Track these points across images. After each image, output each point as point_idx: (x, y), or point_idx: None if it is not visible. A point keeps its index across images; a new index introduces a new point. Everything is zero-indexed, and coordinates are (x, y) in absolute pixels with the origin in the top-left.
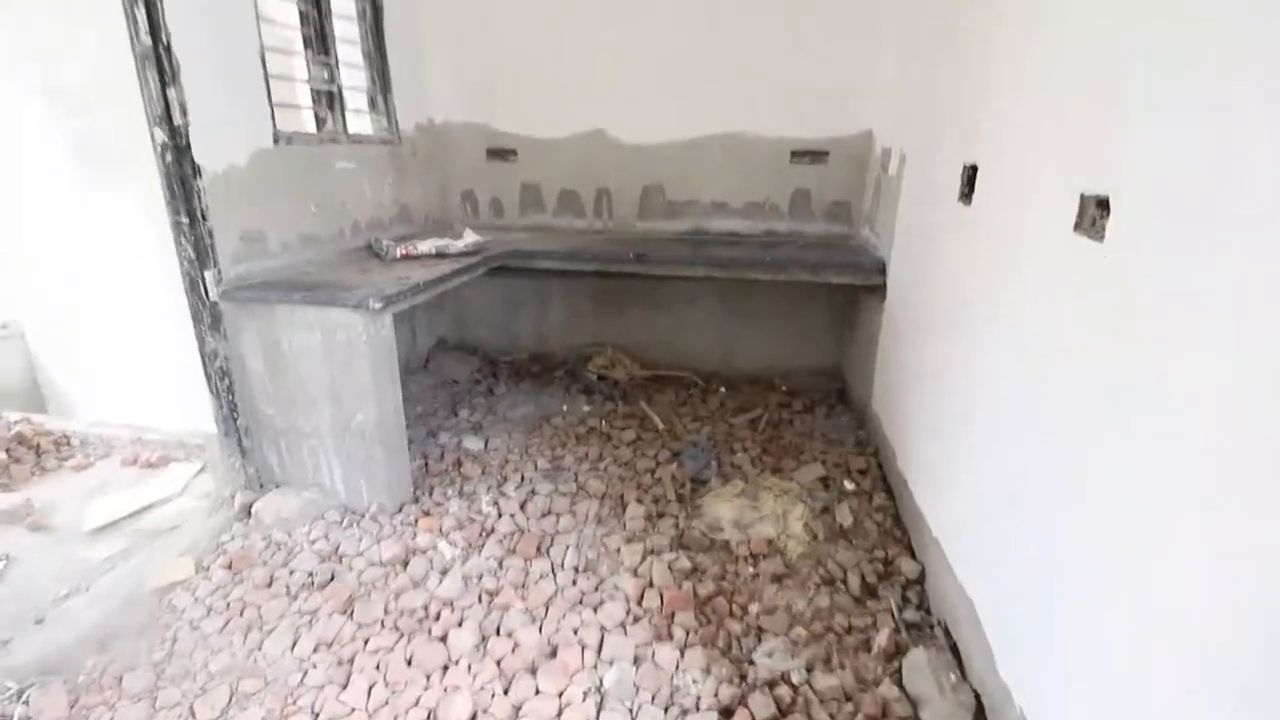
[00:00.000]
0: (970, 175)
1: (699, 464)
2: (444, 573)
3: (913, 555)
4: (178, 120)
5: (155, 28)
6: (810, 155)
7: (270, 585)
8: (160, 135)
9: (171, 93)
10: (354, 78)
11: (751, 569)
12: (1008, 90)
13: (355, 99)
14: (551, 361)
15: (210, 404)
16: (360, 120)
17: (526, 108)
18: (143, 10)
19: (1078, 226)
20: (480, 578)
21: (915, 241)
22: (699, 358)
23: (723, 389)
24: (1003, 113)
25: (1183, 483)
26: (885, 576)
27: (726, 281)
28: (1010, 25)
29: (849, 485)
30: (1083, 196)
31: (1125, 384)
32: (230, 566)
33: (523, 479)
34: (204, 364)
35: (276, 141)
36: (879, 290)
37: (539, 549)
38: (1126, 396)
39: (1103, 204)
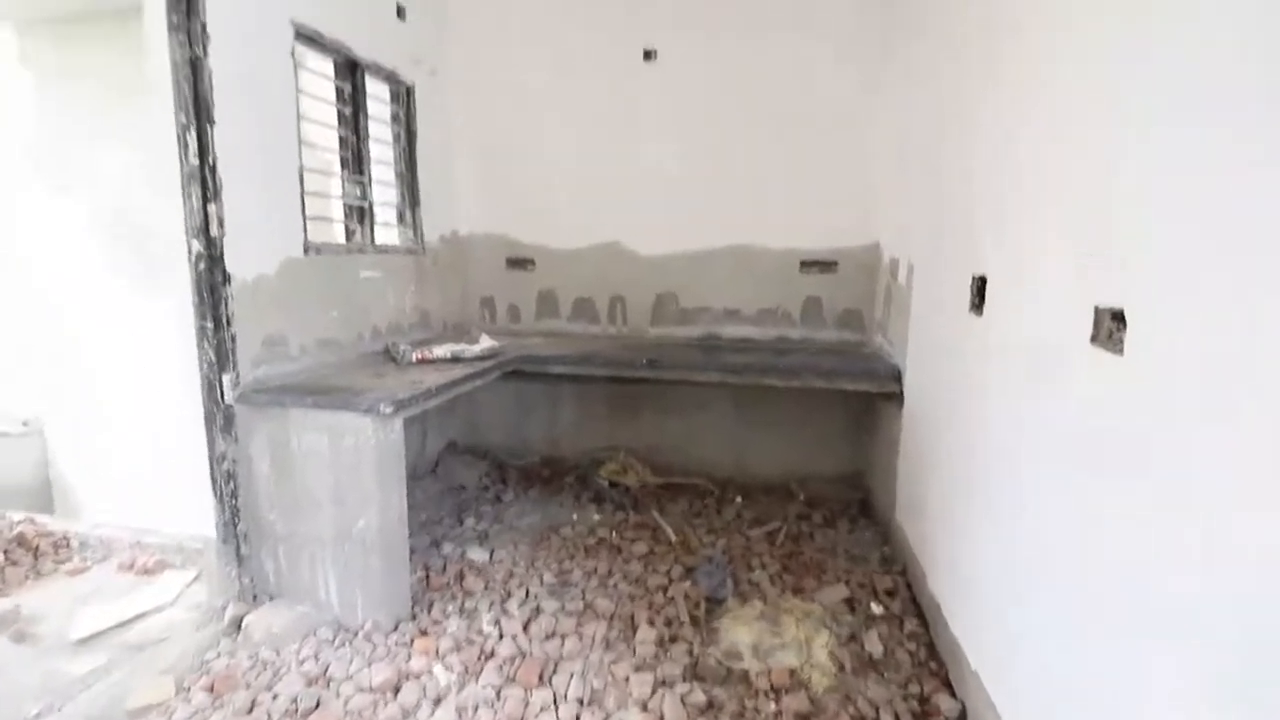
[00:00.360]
0: (980, 286)
1: (714, 582)
2: (437, 702)
3: (951, 692)
4: (214, 232)
5: (204, 150)
6: (820, 265)
7: (251, 712)
8: (196, 246)
9: (212, 208)
10: (385, 194)
11: (773, 705)
12: (1013, 204)
13: (384, 213)
14: (563, 466)
15: (213, 508)
16: (388, 232)
17: (545, 221)
18: (194, 136)
19: (1095, 339)
20: (476, 709)
21: (930, 350)
22: (713, 464)
23: (738, 498)
24: (1009, 227)
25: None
26: (922, 716)
27: (739, 387)
28: (1011, 140)
29: (876, 609)
30: (1097, 309)
31: (1172, 501)
32: (212, 689)
33: (528, 594)
34: (211, 466)
35: (306, 252)
36: (896, 398)
37: (541, 677)
38: (1174, 516)
39: (1118, 316)
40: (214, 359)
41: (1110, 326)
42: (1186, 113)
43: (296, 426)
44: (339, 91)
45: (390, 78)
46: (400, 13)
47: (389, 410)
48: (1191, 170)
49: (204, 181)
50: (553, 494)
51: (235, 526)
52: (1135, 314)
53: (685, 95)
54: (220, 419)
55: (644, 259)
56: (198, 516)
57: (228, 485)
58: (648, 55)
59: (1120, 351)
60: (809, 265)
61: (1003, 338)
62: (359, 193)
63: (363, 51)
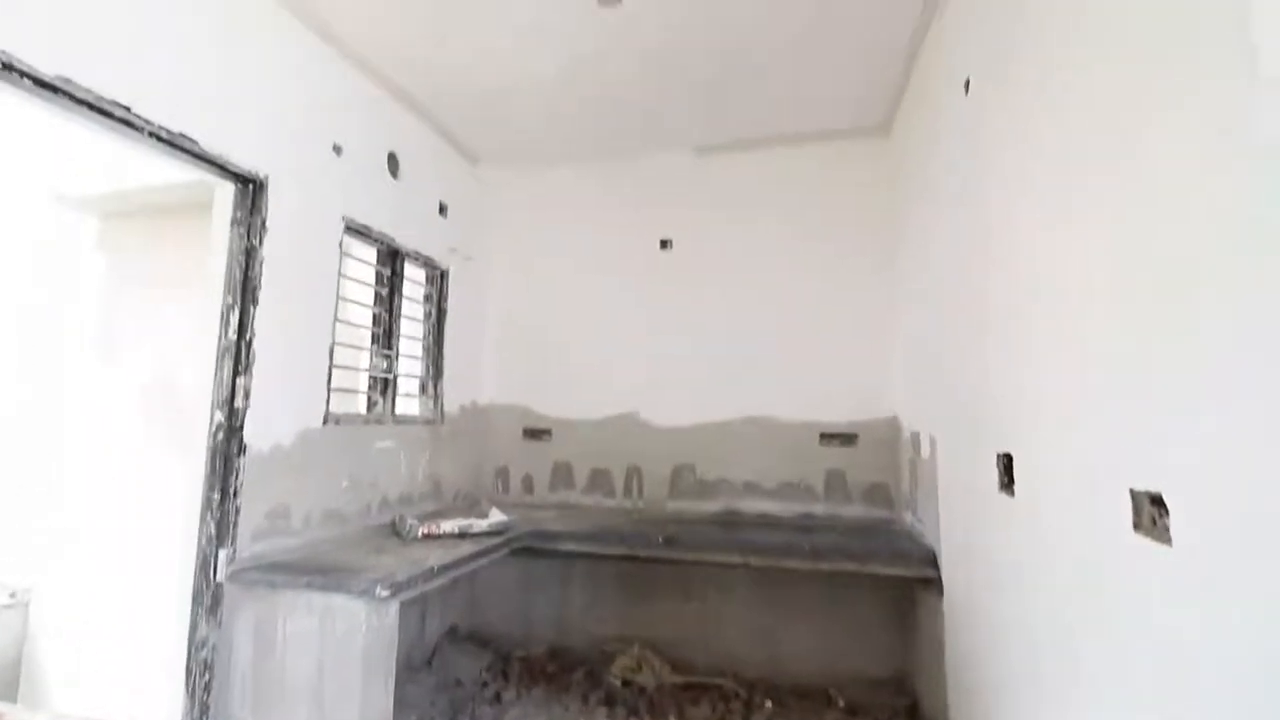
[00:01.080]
0: (1006, 464)
1: None
2: None
3: None
4: (239, 403)
5: (243, 328)
6: (839, 438)
7: None
8: (219, 416)
9: (240, 380)
10: (410, 365)
11: None
12: (1029, 378)
13: (407, 383)
14: (570, 658)
15: (181, 702)
16: (409, 402)
17: (564, 393)
18: (237, 314)
19: (1137, 526)
20: None
21: (964, 532)
22: (739, 659)
23: (769, 703)
24: (1028, 402)
25: None
26: None
27: (763, 569)
28: (1017, 316)
29: None
30: (1133, 493)
31: None
32: None
33: None
34: (189, 655)
35: (325, 423)
36: (935, 584)
37: None
38: None
39: (1157, 500)
40: (214, 533)
41: (1152, 512)
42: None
43: (286, 608)
44: (378, 275)
45: (427, 263)
46: (443, 210)
47: (385, 593)
48: (1233, 343)
49: (238, 355)
50: (559, 692)
51: None
52: (1176, 498)
53: (700, 280)
54: (208, 599)
55: (661, 431)
56: (164, 711)
57: (202, 677)
58: (664, 244)
59: (1168, 541)
60: (829, 438)
61: (1038, 522)
62: (385, 365)
63: (405, 242)
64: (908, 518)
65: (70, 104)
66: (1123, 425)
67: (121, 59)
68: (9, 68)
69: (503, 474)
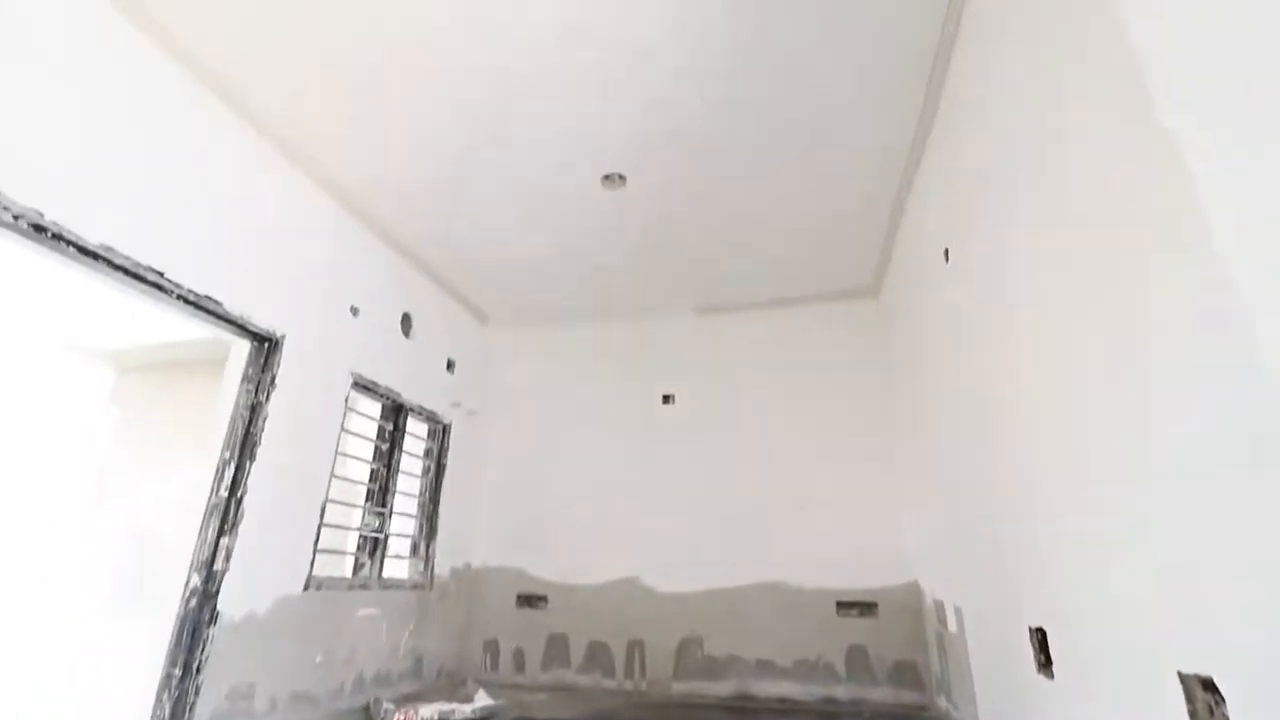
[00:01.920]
0: (1042, 640)
1: None
2: None
3: None
4: (218, 565)
5: (235, 484)
6: (858, 607)
7: None
8: (195, 580)
9: (225, 540)
10: (402, 524)
11: None
12: (1055, 548)
13: (398, 543)
14: None
15: None
16: (398, 565)
17: (562, 556)
18: (232, 470)
19: (1194, 717)
20: None
21: None
22: None
23: None
24: (1061, 576)
25: None
26: None
27: None
28: (1029, 470)
29: None
30: (1181, 675)
31: None
32: None
33: None
34: None
35: (307, 588)
36: None
37: None
38: None
39: (1209, 685)
40: (168, 715)
41: (1207, 700)
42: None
43: None
44: (380, 430)
45: (430, 418)
46: (450, 366)
47: None
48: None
49: (226, 513)
50: None
51: None
52: (1230, 684)
53: (703, 435)
54: None
55: (665, 597)
56: None
57: None
58: (666, 399)
59: None
60: (846, 606)
61: (1085, 710)
62: (378, 524)
63: (411, 397)
64: (942, 703)
65: (108, 269)
66: (1166, 602)
67: (160, 228)
68: (58, 237)
69: (492, 647)
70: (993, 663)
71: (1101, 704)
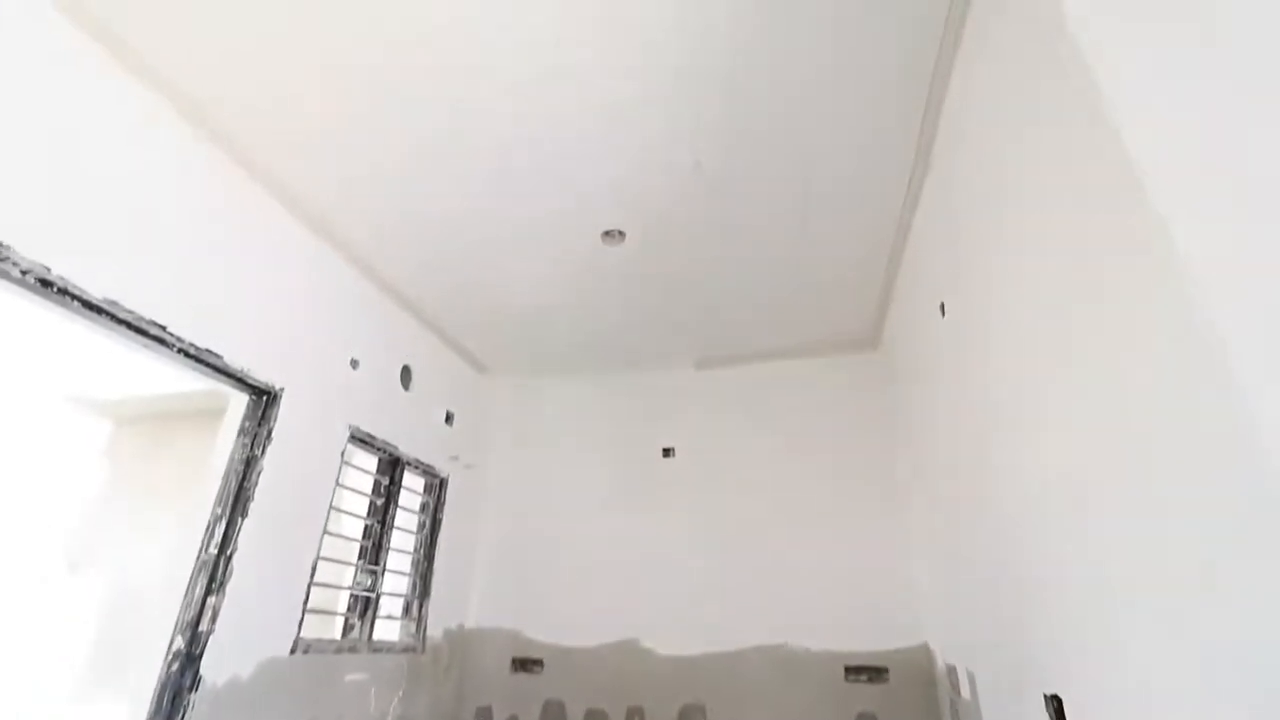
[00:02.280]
0: (1058, 709)
1: None
2: None
3: None
4: (203, 627)
5: (225, 541)
6: (868, 672)
7: None
8: (179, 642)
9: (212, 600)
10: (395, 583)
11: None
12: (1062, 608)
13: (390, 603)
14: None
15: None
16: (389, 626)
17: (559, 617)
18: (223, 527)
19: None
20: None
21: None
22: None
23: None
24: (1075, 640)
25: None
26: None
27: None
28: (1036, 515)
29: None
30: None
31: None
32: None
33: None
34: None
35: (294, 651)
36: None
37: None
38: None
39: None
40: None
41: None
42: None
43: None
44: (376, 484)
45: (427, 471)
46: (449, 419)
47: None
48: None
49: (214, 572)
50: None
51: None
52: None
53: (705, 489)
54: None
55: (665, 660)
56: None
57: None
58: (667, 452)
59: None
60: (855, 671)
61: None
62: (370, 582)
63: (408, 450)
64: None
65: (111, 323)
66: (1183, 666)
67: (165, 283)
68: (64, 292)
69: (485, 715)
70: None
71: None
